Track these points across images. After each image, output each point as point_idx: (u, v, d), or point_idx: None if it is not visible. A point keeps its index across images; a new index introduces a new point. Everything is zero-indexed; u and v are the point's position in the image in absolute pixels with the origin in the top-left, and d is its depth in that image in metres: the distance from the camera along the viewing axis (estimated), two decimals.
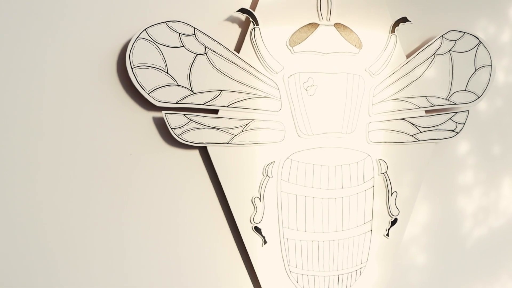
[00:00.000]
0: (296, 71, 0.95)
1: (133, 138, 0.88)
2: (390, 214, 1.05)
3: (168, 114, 0.87)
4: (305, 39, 0.96)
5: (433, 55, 1.06)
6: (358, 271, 1.03)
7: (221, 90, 0.90)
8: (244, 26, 0.94)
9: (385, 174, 1.04)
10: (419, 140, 1.06)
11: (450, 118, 1.08)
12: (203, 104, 0.89)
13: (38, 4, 0.81)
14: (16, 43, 0.81)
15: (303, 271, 0.99)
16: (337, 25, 0.98)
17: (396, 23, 1.01)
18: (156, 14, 0.88)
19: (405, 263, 1.13)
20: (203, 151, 0.92)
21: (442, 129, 1.08)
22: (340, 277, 1.02)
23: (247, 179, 0.94)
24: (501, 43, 1.18)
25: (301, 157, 0.97)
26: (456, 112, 1.09)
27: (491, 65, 1.10)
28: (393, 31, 1.01)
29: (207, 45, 0.89)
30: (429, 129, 1.06)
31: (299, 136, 0.97)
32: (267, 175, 0.95)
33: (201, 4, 0.91)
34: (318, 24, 0.97)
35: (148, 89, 0.85)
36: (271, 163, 0.96)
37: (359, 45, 0.99)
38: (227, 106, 0.91)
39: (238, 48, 0.93)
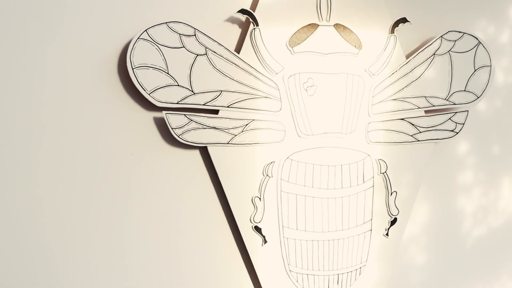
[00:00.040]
0: (296, 72, 0.96)
1: (134, 138, 0.89)
2: (390, 214, 1.05)
3: (168, 114, 0.87)
4: (305, 39, 0.96)
5: (433, 56, 1.06)
6: (358, 271, 1.04)
7: (221, 91, 0.91)
8: (244, 27, 0.94)
9: (385, 174, 1.04)
10: (418, 140, 1.06)
11: (449, 118, 1.08)
12: (204, 104, 0.90)
13: (39, 5, 0.82)
14: (17, 44, 0.81)
15: (303, 270, 0.99)
16: (336, 25, 0.98)
17: (396, 24, 1.02)
18: (156, 15, 0.88)
19: (404, 263, 1.13)
20: (204, 151, 0.93)
21: (441, 129, 1.08)
22: (340, 276, 1.02)
23: (247, 179, 0.94)
24: (500, 43, 1.18)
25: (301, 157, 0.97)
26: (456, 112, 1.09)
27: (490, 66, 1.11)
28: (392, 31, 1.02)
29: (207, 45, 0.89)
30: (429, 129, 1.07)
31: (299, 136, 0.97)
32: (267, 175, 0.96)
33: (201, 5, 0.92)
34: (318, 25, 0.97)
35: (149, 89, 0.86)
36: (271, 163, 0.96)
37: (358, 46, 1.00)
38: (227, 106, 0.91)
39: (238, 49, 0.94)
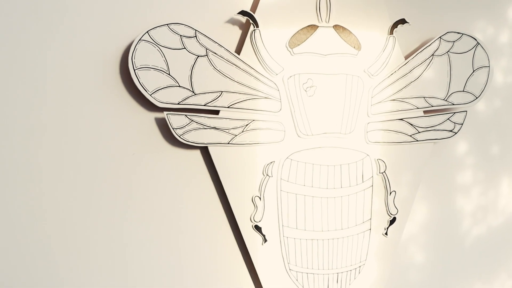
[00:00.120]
0: (295, 72, 0.96)
1: (136, 138, 0.89)
2: (389, 213, 1.06)
3: (170, 115, 0.88)
4: (305, 40, 0.97)
5: (431, 56, 1.06)
6: (357, 270, 1.04)
7: (221, 91, 0.91)
8: (245, 28, 0.95)
9: (384, 173, 1.04)
10: (417, 140, 1.06)
11: (448, 119, 1.09)
12: (204, 105, 0.90)
13: (41, 6, 0.82)
14: (19, 45, 0.81)
15: (302, 269, 1.00)
16: (336, 26, 0.99)
17: (395, 25, 1.02)
18: (157, 17, 0.88)
19: (403, 262, 1.13)
20: (204, 151, 0.93)
21: (440, 129, 1.08)
22: (339, 275, 1.02)
23: (248, 179, 0.95)
24: (499, 44, 1.18)
25: (300, 157, 0.98)
26: (454, 113, 1.09)
27: (489, 66, 1.11)
28: (391, 32, 1.02)
29: (208, 47, 0.90)
30: (428, 129, 1.07)
31: (298, 136, 0.97)
32: (267, 175, 0.96)
33: (202, 6, 0.92)
34: (318, 26, 0.97)
35: (150, 90, 0.86)
36: (271, 162, 0.96)
37: (358, 47, 1.00)
38: (228, 107, 0.92)
39: (238, 50, 0.94)
